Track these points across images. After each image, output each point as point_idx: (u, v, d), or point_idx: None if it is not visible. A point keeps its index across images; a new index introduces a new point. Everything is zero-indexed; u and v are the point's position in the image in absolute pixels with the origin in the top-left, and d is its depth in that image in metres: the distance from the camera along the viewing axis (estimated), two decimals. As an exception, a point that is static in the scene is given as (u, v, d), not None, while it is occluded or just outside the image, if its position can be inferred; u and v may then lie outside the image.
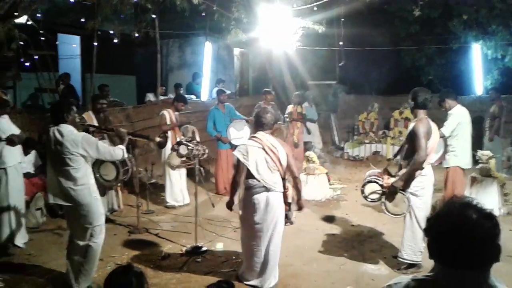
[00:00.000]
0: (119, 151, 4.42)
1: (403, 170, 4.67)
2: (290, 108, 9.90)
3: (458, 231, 1.47)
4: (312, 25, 8.62)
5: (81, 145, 4.12)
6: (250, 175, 4.35)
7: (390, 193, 4.64)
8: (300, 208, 4.70)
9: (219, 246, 5.66)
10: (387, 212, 4.76)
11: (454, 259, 1.48)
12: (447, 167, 6.40)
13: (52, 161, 4.26)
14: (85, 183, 4.19)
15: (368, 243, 5.78)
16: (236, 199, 4.65)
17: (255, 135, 4.49)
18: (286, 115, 9.79)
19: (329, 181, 8.27)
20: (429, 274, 1.56)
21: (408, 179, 4.58)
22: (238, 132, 7.97)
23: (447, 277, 1.50)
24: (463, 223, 1.47)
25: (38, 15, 7.30)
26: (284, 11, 8.09)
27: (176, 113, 7.49)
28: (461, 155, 6.27)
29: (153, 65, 10.65)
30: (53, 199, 4.31)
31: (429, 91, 4.85)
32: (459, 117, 6.22)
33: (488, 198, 6.52)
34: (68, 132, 4.12)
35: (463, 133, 6.27)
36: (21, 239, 5.43)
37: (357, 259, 5.24)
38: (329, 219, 6.83)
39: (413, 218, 4.71)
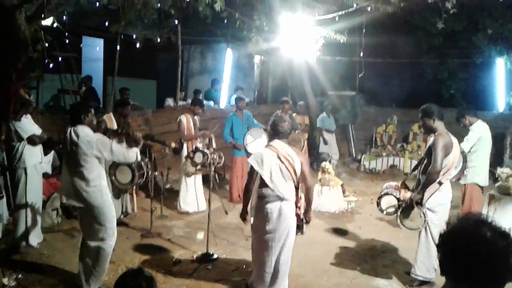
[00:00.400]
0: (133, 154, 4.45)
1: (421, 185, 4.62)
2: (297, 118, 9.90)
3: (471, 248, 1.45)
4: (334, 34, 8.58)
5: (95, 146, 4.17)
6: (263, 184, 4.33)
7: (406, 207, 4.58)
8: (308, 220, 4.65)
9: (230, 254, 5.65)
10: (402, 226, 4.69)
11: (467, 276, 1.45)
12: (465, 184, 6.29)
13: (67, 162, 4.33)
14: (97, 185, 4.24)
15: (381, 258, 5.71)
16: (248, 208, 4.63)
17: (270, 143, 4.48)
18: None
19: (344, 193, 8.20)
20: None
21: (423, 192, 4.52)
22: (255, 140, 7.97)
23: None
24: (477, 240, 1.45)
25: (64, 17, 7.45)
26: (306, 20, 8.08)
27: (196, 117, 7.53)
28: (479, 171, 6.17)
29: (174, 70, 10.78)
30: (66, 200, 4.37)
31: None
32: (479, 132, 6.12)
33: (506, 217, 6.35)
34: (83, 133, 4.19)
35: (483, 149, 6.16)
36: (35, 239, 5.49)
37: (369, 273, 5.18)
38: (342, 231, 6.77)
39: (428, 234, 4.64)
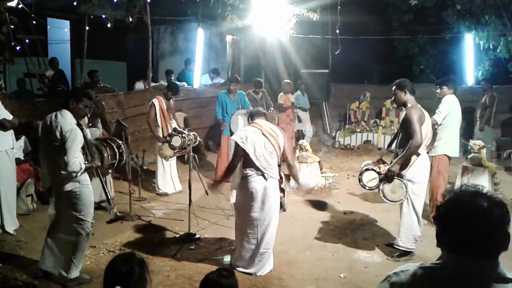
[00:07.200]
0: (77, 164, 3.98)
1: (399, 158, 4.69)
2: (282, 97, 9.98)
3: (468, 219, 1.46)
4: (306, 12, 8.54)
5: (67, 133, 3.91)
6: (247, 164, 4.35)
7: (387, 177, 4.66)
8: (307, 191, 4.98)
9: (213, 234, 5.64)
10: (385, 199, 4.76)
11: (464, 247, 1.47)
12: (434, 156, 6.37)
13: (47, 147, 4.09)
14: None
15: (361, 231, 5.81)
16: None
17: (254, 121, 4.54)
18: (281, 103, 10.03)
19: (321, 169, 8.27)
20: (436, 262, 1.55)
21: (404, 163, 4.61)
22: (235, 122, 7.91)
23: (456, 265, 1.49)
24: (474, 211, 1.46)
25: (30, -2, 7.16)
26: (279, -2, 8.01)
27: (170, 99, 7.39)
28: (448, 143, 6.18)
29: (144, 52, 10.49)
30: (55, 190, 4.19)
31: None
32: (450, 107, 6.13)
33: (479, 188, 6.51)
34: (66, 114, 4.00)
35: (452, 122, 6.18)
36: (12, 226, 5.36)
37: (350, 246, 5.27)
38: (322, 207, 6.85)
39: (410, 205, 4.75)
